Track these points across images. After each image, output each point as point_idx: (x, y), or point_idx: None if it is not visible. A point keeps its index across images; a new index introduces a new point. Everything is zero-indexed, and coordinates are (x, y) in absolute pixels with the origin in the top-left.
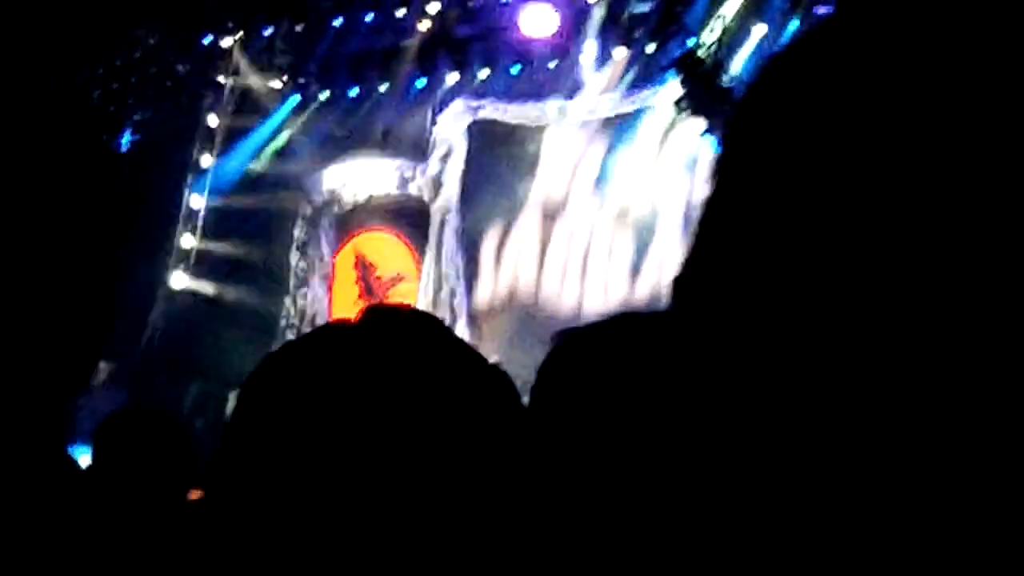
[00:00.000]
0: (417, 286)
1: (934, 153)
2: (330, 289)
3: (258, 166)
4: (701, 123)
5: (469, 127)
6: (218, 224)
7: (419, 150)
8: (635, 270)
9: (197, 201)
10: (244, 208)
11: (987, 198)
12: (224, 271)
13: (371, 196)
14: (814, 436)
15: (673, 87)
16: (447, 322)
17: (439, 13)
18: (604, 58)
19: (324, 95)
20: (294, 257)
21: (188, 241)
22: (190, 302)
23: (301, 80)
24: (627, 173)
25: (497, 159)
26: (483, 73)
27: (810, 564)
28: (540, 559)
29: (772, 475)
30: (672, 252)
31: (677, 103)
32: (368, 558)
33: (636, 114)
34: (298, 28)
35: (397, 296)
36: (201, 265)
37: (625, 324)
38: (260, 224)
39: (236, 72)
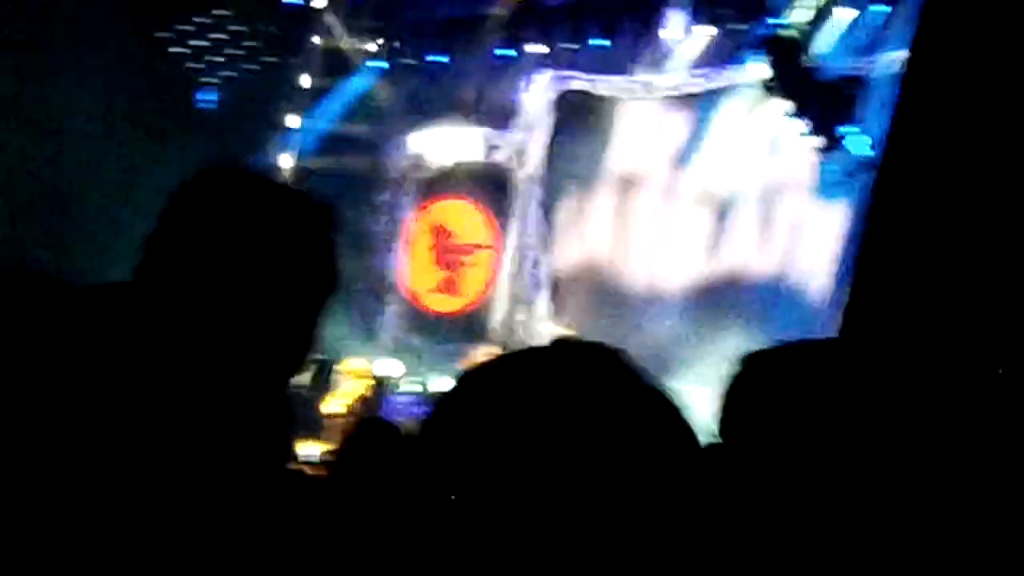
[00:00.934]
0: (492, 255)
1: None
2: (409, 253)
3: (345, 128)
4: (785, 104)
5: (557, 98)
6: (303, 185)
7: (505, 119)
8: (713, 249)
9: (285, 160)
10: (329, 169)
11: None
12: None
13: (456, 163)
14: None
15: (758, 67)
16: (528, 291)
17: None
18: (690, 35)
19: (412, 60)
20: (376, 220)
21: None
22: None
23: (390, 44)
24: (709, 151)
25: (582, 131)
26: (571, 44)
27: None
28: None
29: None
30: (750, 233)
31: (765, 84)
32: None
33: (720, 92)
34: None
35: (472, 264)
36: None
37: (809, 351)
38: (344, 186)
39: (326, 33)
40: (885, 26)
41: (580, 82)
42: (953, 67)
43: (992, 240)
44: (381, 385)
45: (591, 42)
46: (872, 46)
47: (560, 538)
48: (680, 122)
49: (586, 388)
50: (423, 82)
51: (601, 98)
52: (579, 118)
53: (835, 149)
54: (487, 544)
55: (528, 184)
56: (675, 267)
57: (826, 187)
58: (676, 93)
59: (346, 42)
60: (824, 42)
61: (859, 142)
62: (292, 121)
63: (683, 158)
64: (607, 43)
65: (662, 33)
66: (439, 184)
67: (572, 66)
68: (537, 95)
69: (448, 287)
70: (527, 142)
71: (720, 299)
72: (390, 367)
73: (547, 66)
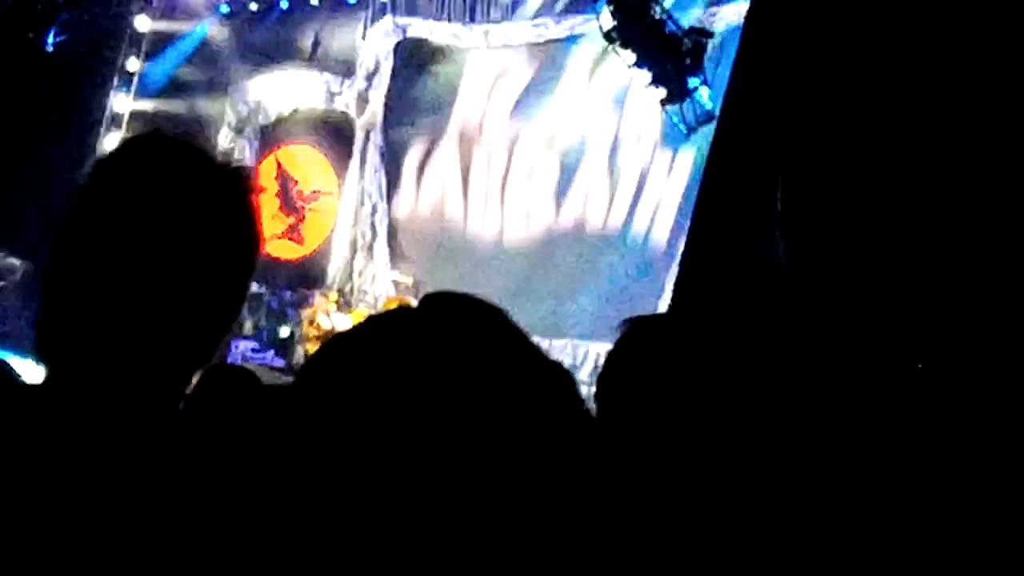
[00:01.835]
0: (336, 202)
1: None
2: None
3: (185, 72)
4: (631, 55)
5: (397, 45)
6: (143, 128)
7: (347, 66)
8: (559, 198)
9: (122, 104)
10: (169, 113)
11: None
12: None
13: (296, 109)
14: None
15: (601, 17)
16: (367, 239)
17: None
18: None
19: (254, 5)
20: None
21: (112, 143)
22: None
23: None
24: (555, 101)
25: (423, 79)
26: None
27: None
28: (599, 551)
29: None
30: (598, 182)
31: (607, 34)
32: (404, 551)
33: (566, 42)
34: None
35: (316, 210)
36: None
37: (691, 319)
38: (185, 130)
39: None
40: None
41: (420, 29)
42: (791, 19)
43: (830, 195)
44: None
45: None
46: None
47: (446, 503)
48: (523, 72)
49: (473, 347)
50: (264, 27)
51: (442, 46)
52: (420, 66)
53: (680, 101)
54: (368, 505)
55: (368, 131)
56: (518, 218)
57: (671, 139)
58: (518, 42)
59: None
60: None
61: (703, 94)
62: (132, 65)
63: (526, 108)
64: None
65: None
66: (283, 129)
67: (413, 13)
68: (377, 42)
69: (292, 234)
70: (368, 89)
71: (564, 250)
72: None
73: (388, 12)
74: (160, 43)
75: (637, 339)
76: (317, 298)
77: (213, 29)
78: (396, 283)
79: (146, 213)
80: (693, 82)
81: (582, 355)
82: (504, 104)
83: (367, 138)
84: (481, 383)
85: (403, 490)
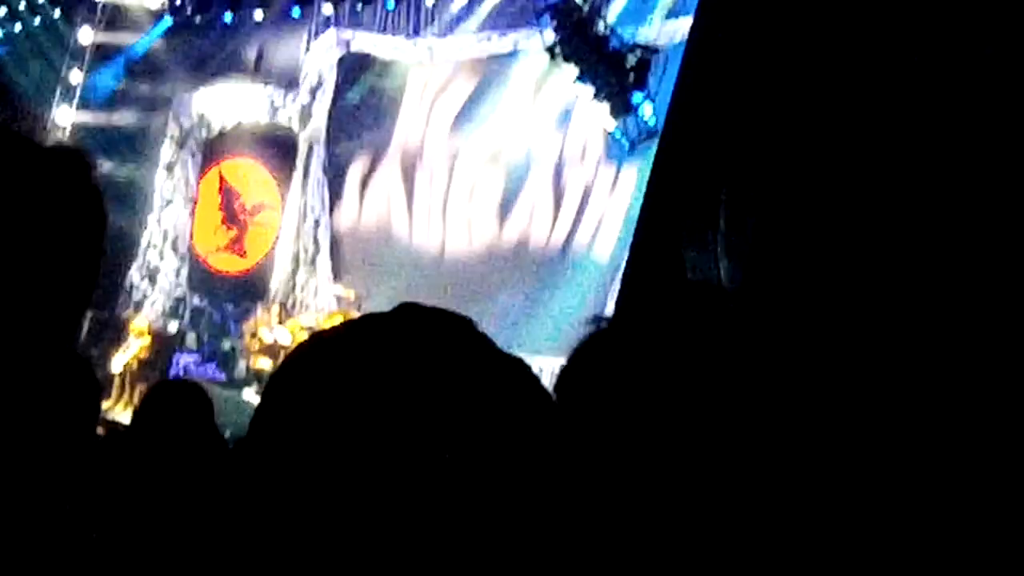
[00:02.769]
0: (279, 215)
1: None
2: (194, 212)
3: (128, 85)
4: (574, 70)
5: (340, 59)
6: (85, 141)
7: (291, 79)
8: (504, 213)
9: (65, 116)
10: (112, 126)
11: None
12: None
13: (240, 123)
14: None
15: (545, 32)
16: (310, 252)
17: None
18: None
19: (198, 18)
20: (160, 178)
21: None
22: None
23: (176, 1)
24: (498, 115)
25: (366, 93)
26: (358, 5)
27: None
28: (569, 554)
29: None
30: (542, 198)
31: (550, 49)
32: (383, 556)
33: (508, 57)
34: None
35: (258, 224)
36: None
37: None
38: (127, 143)
39: None
40: None
41: (364, 43)
42: (735, 35)
43: (773, 212)
44: (163, 344)
45: (377, 4)
46: (662, 14)
47: (420, 513)
48: (466, 86)
49: (445, 356)
50: (207, 40)
51: (385, 61)
52: (363, 80)
53: (624, 116)
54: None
55: (311, 145)
56: (461, 233)
57: (614, 154)
58: (461, 57)
59: None
60: (614, 8)
61: (646, 110)
62: (75, 77)
63: (469, 123)
64: (392, 5)
65: None
66: (226, 143)
67: (356, 26)
68: (320, 55)
69: (235, 247)
70: (311, 103)
71: (507, 265)
72: (172, 326)
73: (332, 27)
74: (103, 55)
75: (593, 350)
76: (259, 311)
77: (156, 42)
78: (338, 297)
79: None
80: (637, 97)
81: None
82: (447, 119)
83: (310, 152)
84: (456, 386)
85: (385, 493)
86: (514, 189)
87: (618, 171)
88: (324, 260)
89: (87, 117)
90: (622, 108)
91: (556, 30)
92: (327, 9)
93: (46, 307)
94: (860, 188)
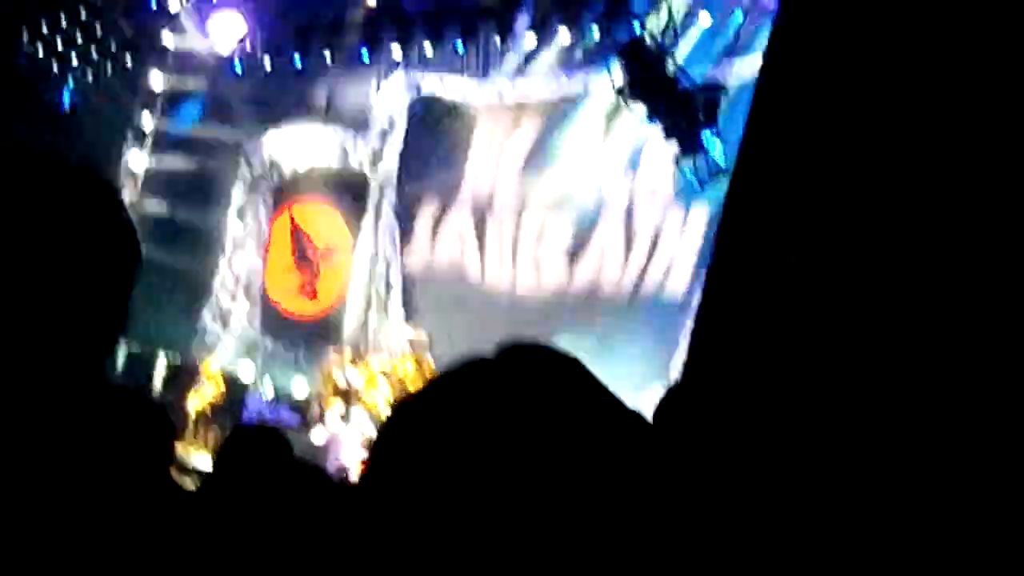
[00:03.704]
0: (350, 257)
1: None
2: (265, 256)
3: (199, 130)
4: (643, 110)
5: (411, 103)
6: (158, 185)
7: (361, 123)
8: (573, 256)
9: (137, 161)
10: (184, 170)
11: None
12: (162, 232)
13: (310, 166)
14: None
15: (614, 73)
16: (382, 295)
17: None
18: (548, 40)
19: (268, 62)
20: (232, 222)
21: (127, 200)
22: None
23: (245, 46)
24: (568, 157)
25: (436, 135)
26: (427, 49)
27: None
28: None
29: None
30: (614, 240)
31: (620, 90)
32: None
33: (578, 98)
34: None
35: (330, 266)
36: (139, 225)
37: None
38: (199, 187)
39: (182, 35)
40: (742, 33)
41: (433, 86)
42: (805, 74)
43: (843, 245)
44: (235, 387)
45: (446, 47)
46: (730, 53)
47: (540, 553)
48: (535, 127)
49: (556, 397)
50: (277, 84)
51: (455, 103)
52: (433, 122)
53: (693, 155)
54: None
55: (382, 188)
56: (531, 274)
57: (684, 194)
58: (531, 99)
59: (202, 44)
60: (682, 48)
61: (716, 149)
62: (146, 122)
63: (538, 165)
64: (462, 48)
65: (518, 38)
66: (297, 186)
67: (426, 69)
68: (390, 99)
69: (307, 290)
70: (381, 145)
71: (576, 307)
72: (245, 370)
73: (402, 70)
74: (174, 100)
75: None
76: (331, 354)
77: (226, 86)
78: (410, 340)
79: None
80: (706, 136)
81: None
82: (517, 160)
83: (381, 194)
84: (566, 433)
85: (497, 537)
86: (584, 231)
87: (687, 211)
88: (396, 302)
89: (159, 162)
90: (692, 147)
91: (625, 71)
92: (396, 52)
93: (76, 336)
94: (939, 227)
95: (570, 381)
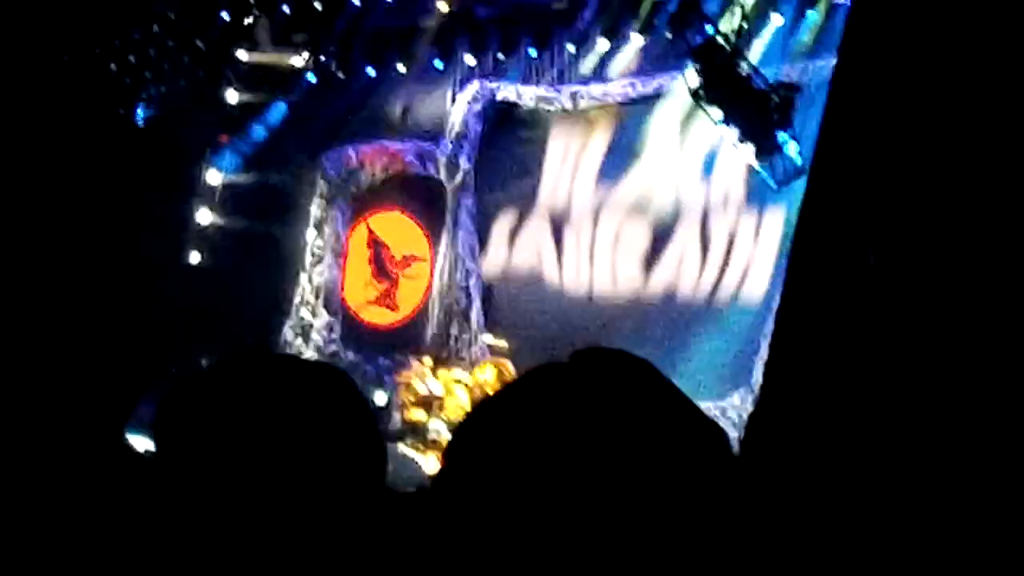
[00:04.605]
0: (428, 266)
1: None
2: (343, 267)
3: (275, 143)
4: (718, 112)
5: (485, 109)
6: (235, 200)
7: (436, 132)
8: (649, 261)
9: (214, 177)
10: (260, 184)
11: None
12: (240, 247)
13: (387, 175)
14: None
15: (688, 75)
16: (462, 303)
17: None
18: (621, 44)
19: (342, 73)
20: (310, 234)
21: (205, 217)
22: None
23: (320, 57)
24: (643, 161)
25: (512, 142)
26: (501, 56)
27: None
28: None
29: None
30: (691, 244)
31: (694, 93)
32: None
33: (651, 101)
34: (317, 5)
35: (408, 276)
36: (218, 241)
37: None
38: (276, 201)
39: (255, 48)
40: (817, 33)
41: (508, 92)
42: (879, 73)
43: (921, 245)
44: None
45: (519, 53)
46: (804, 53)
47: (622, 556)
48: (610, 132)
49: (631, 401)
50: (351, 95)
51: (530, 109)
52: (509, 129)
53: (769, 156)
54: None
55: (458, 196)
56: (608, 280)
57: (758, 197)
58: (606, 103)
59: (275, 57)
60: (756, 49)
61: (792, 149)
62: (223, 137)
63: (614, 169)
64: (534, 52)
65: (590, 43)
66: (372, 197)
67: (501, 77)
68: (465, 107)
69: (386, 300)
70: (457, 153)
71: (657, 312)
72: None
73: (476, 78)
74: (249, 114)
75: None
76: (412, 364)
77: (301, 99)
78: (491, 347)
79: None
80: (782, 137)
81: None
82: (592, 165)
83: (458, 203)
84: (641, 439)
85: (574, 543)
86: (661, 235)
87: (761, 213)
88: (476, 310)
89: (235, 177)
90: (768, 148)
91: (699, 73)
92: (470, 60)
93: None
94: (1016, 222)
95: (646, 387)
